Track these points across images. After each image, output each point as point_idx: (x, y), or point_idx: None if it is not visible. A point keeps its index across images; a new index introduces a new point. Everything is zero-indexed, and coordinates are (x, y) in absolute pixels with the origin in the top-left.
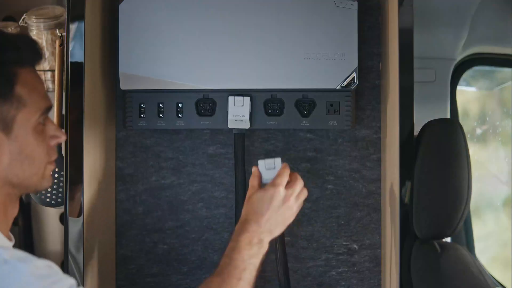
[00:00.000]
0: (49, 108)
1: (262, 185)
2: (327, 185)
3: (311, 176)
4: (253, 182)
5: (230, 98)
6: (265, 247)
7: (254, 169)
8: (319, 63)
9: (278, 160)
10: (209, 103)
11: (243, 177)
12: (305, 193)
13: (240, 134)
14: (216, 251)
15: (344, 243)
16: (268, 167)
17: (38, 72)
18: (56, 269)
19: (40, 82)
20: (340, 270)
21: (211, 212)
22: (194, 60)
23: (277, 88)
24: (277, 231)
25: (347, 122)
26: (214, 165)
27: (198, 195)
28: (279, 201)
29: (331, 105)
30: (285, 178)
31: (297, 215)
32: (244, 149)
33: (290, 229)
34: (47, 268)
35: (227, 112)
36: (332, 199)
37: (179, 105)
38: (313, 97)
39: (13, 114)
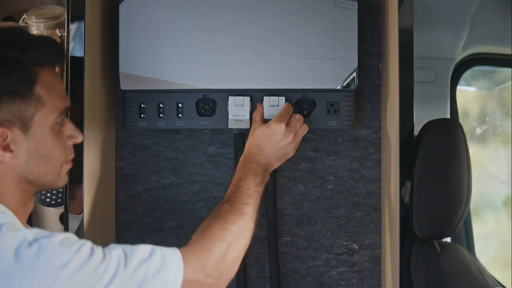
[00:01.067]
0: (67, 108)
1: (264, 120)
2: (327, 185)
3: (311, 176)
4: (256, 117)
5: (230, 98)
6: (267, 177)
7: (258, 104)
8: (319, 63)
9: (282, 99)
10: (209, 103)
11: None
12: (304, 129)
13: (240, 134)
14: None
15: (344, 243)
16: (272, 104)
17: None
18: (74, 237)
19: (60, 82)
20: (340, 270)
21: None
22: (194, 60)
23: (277, 88)
24: (278, 163)
25: (347, 122)
26: (214, 165)
27: (198, 195)
28: (280, 137)
29: (331, 105)
30: (287, 116)
31: (297, 215)
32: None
33: (290, 229)
34: (68, 237)
35: (227, 112)
36: (332, 199)
37: (179, 105)
38: (313, 97)
39: (31, 113)
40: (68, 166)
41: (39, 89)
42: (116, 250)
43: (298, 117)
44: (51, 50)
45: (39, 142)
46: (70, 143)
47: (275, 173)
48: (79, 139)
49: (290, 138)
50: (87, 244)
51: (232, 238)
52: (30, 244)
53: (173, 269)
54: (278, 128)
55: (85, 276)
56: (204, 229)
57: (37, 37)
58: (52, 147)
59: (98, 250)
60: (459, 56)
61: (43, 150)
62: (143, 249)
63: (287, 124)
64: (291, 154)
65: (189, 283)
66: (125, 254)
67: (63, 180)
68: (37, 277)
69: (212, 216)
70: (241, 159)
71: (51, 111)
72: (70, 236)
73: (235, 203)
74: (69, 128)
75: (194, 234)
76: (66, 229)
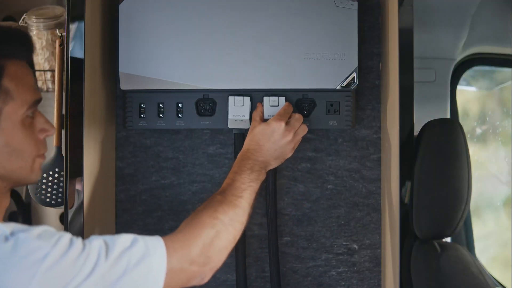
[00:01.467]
0: (37, 101)
1: (264, 120)
2: (327, 185)
3: (311, 176)
4: (255, 116)
5: (230, 98)
6: (263, 175)
7: (258, 104)
8: (319, 63)
9: (282, 99)
10: (209, 103)
11: None
12: (304, 130)
13: (240, 134)
14: None
15: (344, 243)
16: (272, 104)
17: (39, 72)
18: (53, 229)
19: (29, 75)
20: (340, 270)
21: None
22: (194, 60)
23: (277, 88)
24: (276, 162)
25: (347, 122)
26: (214, 165)
27: (198, 195)
28: (279, 135)
29: (331, 105)
30: (286, 115)
31: (297, 215)
32: None
33: (290, 229)
34: (46, 230)
35: (227, 112)
36: (332, 199)
37: (179, 105)
38: (313, 97)
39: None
40: (41, 160)
41: (6, 82)
42: (97, 241)
43: (297, 116)
44: (19, 42)
45: (9, 136)
46: (42, 136)
47: (275, 173)
48: (51, 132)
49: (289, 137)
50: (66, 236)
51: (221, 227)
52: (6, 239)
53: (156, 258)
54: (278, 127)
55: (64, 268)
56: (193, 217)
57: (4, 29)
58: (23, 141)
59: (78, 241)
60: (459, 56)
61: (13, 144)
62: (124, 239)
63: (287, 123)
64: (289, 154)
65: (174, 272)
66: (106, 244)
67: (36, 175)
68: (15, 271)
69: (203, 206)
70: (238, 155)
71: (20, 104)
72: (49, 228)
73: (228, 195)
74: (41, 121)
75: (183, 222)
76: (66, 228)
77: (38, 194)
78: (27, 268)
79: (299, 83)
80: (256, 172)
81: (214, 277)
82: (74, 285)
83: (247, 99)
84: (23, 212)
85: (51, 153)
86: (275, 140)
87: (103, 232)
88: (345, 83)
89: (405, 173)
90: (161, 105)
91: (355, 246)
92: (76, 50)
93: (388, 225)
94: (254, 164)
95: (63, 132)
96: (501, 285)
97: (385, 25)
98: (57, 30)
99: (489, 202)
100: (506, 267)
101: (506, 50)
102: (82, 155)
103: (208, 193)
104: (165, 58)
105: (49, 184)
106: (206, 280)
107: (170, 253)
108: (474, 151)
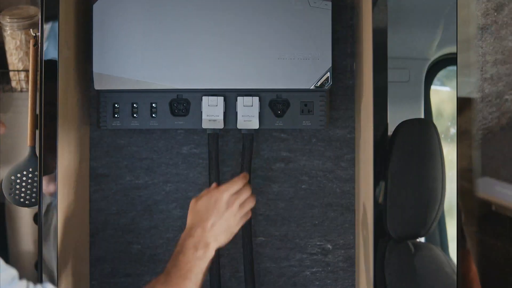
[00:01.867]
0: None
1: (238, 122)
2: (301, 185)
3: (285, 176)
4: (203, 193)
5: (204, 98)
6: (211, 252)
7: (214, 184)
8: (293, 63)
9: (256, 99)
10: (183, 103)
11: (217, 177)
12: (251, 202)
13: (214, 134)
14: None
15: (318, 243)
16: (246, 104)
17: (12, 72)
18: (12, 274)
19: None
20: (314, 270)
21: (184, 212)
22: (168, 60)
23: (251, 88)
24: (223, 238)
25: (321, 122)
26: (188, 165)
27: (172, 195)
28: (222, 206)
29: (305, 105)
30: (233, 186)
31: (271, 215)
32: (218, 149)
33: (264, 229)
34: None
35: (201, 112)
36: (306, 199)
37: (153, 105)
38: (287, 97)
39: None
40: None
41: None
42: None
43: (246, 188)
44: None
45: None
46: None
47: (249, 171)
48: (1, 131)
49: (233, 207)
50: (10, 272)
51: None
52: None
53: None
54: (220, 196)
55: None
56: None
57: None
58: None
59: None
60: (433, 56)
61: None
62: None
63: (232, 194)
64: (237, 229)
65: None
66: None
67: None
68: None
69: None
70: (182, 235)
71: None
72: (8, 274)
73: (172, 277)
74: None
75: None
76: (40, 229)
77: (12, 194)
78: None
79: (273, 83)
80: (202, 249)
81: None
82: None
83: (221, 99)
84: None
85: (25, 153)
86: (218, 211)
87: (77, 232)
88: (319, 83)
89: (379, 173)
90: (135, 105)
91: (329, 246)
92: (50, 50)
93: (362, 225)
94: (198, 241)
95: (37, 132)
96: None
97: (359, 25)
98: (31, 30)
99: None
100: None
101: None
102: (56, 155)
103: (182, 193)
104: (139, 58)
105: (23, 184)
106: None
107: None
108: (448, 151)
